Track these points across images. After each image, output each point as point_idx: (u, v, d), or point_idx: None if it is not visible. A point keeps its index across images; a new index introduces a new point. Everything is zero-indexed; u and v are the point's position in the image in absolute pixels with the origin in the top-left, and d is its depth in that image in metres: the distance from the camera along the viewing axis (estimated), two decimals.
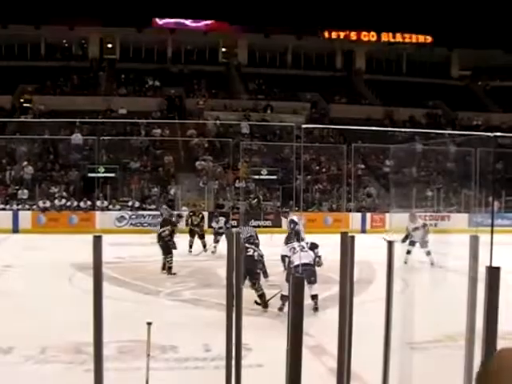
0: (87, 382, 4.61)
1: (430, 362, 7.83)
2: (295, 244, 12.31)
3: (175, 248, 15.80)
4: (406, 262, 16.76)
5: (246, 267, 10.83)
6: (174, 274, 15.35)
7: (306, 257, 11.45)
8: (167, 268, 15.44)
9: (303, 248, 11.64)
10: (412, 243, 17.52)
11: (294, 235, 15.83)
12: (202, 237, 19.78)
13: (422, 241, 17.46)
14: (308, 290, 10.77)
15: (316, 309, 11.36)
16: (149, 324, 4.47)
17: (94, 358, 4.34)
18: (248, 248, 12.05)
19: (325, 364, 7.86)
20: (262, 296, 11.74)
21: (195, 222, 19.73)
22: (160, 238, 15.73)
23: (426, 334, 8.69)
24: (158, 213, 28.15)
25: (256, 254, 12.03)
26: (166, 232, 15.71)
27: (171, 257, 15.49)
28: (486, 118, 40.48)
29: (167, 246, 15.57)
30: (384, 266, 5.14)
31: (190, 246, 19.63)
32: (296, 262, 10.93)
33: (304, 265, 11.14)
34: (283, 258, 12.20)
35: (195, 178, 31.85)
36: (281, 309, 11.43)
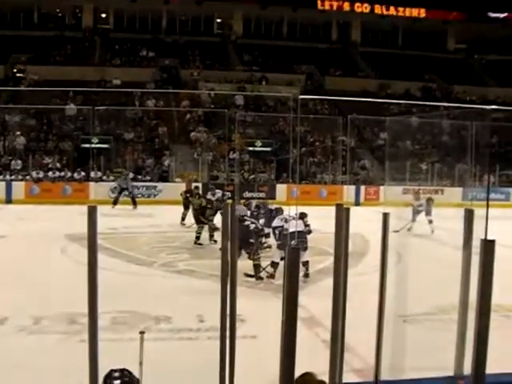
0: (81, 352, 4.61)
1: (422, 335, 7.88)
2: (286, 215, 12.33)
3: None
4: (409, 229, 18.11)
5: (240, 237, 10.92)
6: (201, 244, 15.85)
7: (299, 225, 11.51)
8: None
9: (294, 217, 11.67)
10: (418, 212, 19.00)
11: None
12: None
13: (428, 209, 18.98)
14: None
15: (307, 275, 11.44)
16: (142, 333, 4.45)
17: (89, 328, 4.33)
18: (246, 220, 12.14)
19: (318, 335, 7.90)
20: (256, 266, 11.80)
21: (195, 206, 19.08)
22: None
23: (419, 306, 8.74)
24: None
25: (253, 226, 12.10)
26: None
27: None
28: (482, 93, 40.29)
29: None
30: (377, 238, 5.14)
31: (183, 219, 19.57)
32: (291, 229, 10.96)
33: (298, 232, 11.25)
34: (274, 229, 12.25)
35: (189, 150, 31.78)
36: (271, 276, 11.51)
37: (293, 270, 2.81)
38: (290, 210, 12.35)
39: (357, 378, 6.38)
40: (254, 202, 17.00)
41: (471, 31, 44.49)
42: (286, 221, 11.78)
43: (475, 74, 43.65)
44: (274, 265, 11.55)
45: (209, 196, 19.02)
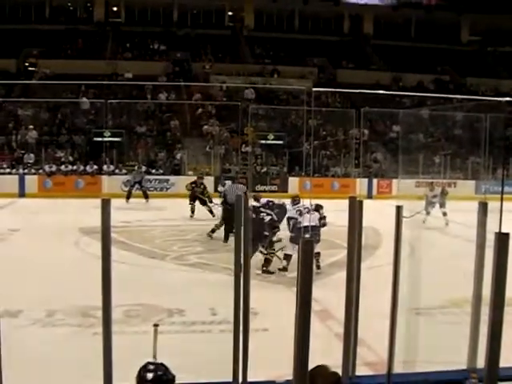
0: (95, 345, 4.63)
1: (435, 328, 7.86)
2: (301, 206, 12.27)
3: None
4: (424, 222, 18.16)
5: (254, 230, 10.95)
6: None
7: (313, 219, 11.49)
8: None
9: (309, 210, 11.65)
10: (432, 204, 19.24)
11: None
12: (203, 203, 19.78)
13: (442, 202, 19.20)
14: None
15: (318, 267, 11.42)
16: (156, 326, 4.47)
17: (103, 321, 4.35)
18: (262, 212, 12.10)
19: (331, 329, 7.91)
20: (267, 260, 11.81)
21: (197, 193, 19.68)
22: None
23: (432, 299, 8.72)
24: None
25: (268, 218, 12.06)
26: None
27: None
28: (495, 85, 40.05)
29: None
30: (390, 232, 5.13)
31: (192, 211, 19.73)
32: (305, 223, 10.95)
33: (312, 227, 11.29)
34: (289, 219, 12.21)
35: (202, 143, 31.79)
36: (284, 269, 11.51)
37: (306, 263, 2.81)
38: (304, 203, 12.29)
39: (370, 371, 6.39)
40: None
41: (485, 23, 44.21)
42: (301, 213, 11.78)
43: (489, 66, 43.33)
44: (287, 257, 11.55)
45: (219, 188, 19.12)
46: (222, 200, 15.89)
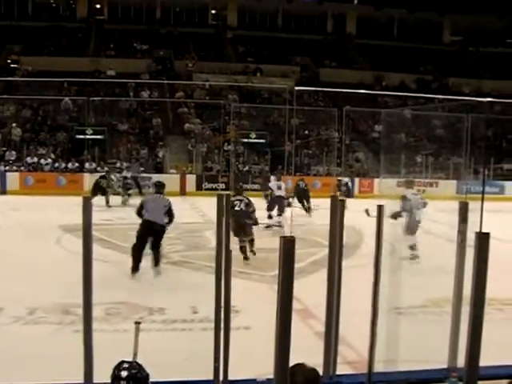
0: (76, 342, 4.62)
1: (416, 327, 7.90)
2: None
3: None
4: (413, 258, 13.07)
5: (235, 223, 11.51)
6: None
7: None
8: None
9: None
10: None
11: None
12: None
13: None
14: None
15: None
16: (137, 323, 4.47)
17: (84, 319, 4.34)
18: (235, 205, 12.26)
19: (312, 327, 7.91)
20: (243, 248, 12.20)
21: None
22: None
23: (413, 299, 8.76)
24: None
25: (241, 206, 12.46)
26: None
27: None
28: (477, 85, 40.36)
29: None
30: (371, 231, 5.14)
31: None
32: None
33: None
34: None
35: (184, 141, 31.75)
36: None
37: (288, 261, 2.81)
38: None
39: (350, 370, 6.40)
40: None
41: (467, 23, 44.47)
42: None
43: (471, 66, 43.63)
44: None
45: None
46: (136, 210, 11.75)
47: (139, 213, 11.29)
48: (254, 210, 12.62)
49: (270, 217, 17.71)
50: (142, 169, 27.94)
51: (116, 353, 4.02)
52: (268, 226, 17.07)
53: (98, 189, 22.12)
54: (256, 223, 12.72)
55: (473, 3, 41.23)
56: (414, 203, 12.98)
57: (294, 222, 16.00)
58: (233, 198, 12.41)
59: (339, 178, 25.03)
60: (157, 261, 11.01)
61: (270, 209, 17.91)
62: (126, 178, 24.58)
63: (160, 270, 11.04)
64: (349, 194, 23.33)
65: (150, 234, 10.94)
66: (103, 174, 23.91)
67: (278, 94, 35.11)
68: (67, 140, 30.41)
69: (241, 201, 12.51)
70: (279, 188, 18.23)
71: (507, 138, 34.59)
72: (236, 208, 12.19)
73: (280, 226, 16.69)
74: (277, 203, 17.76)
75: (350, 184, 24.58)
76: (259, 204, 21.88)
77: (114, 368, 3.64)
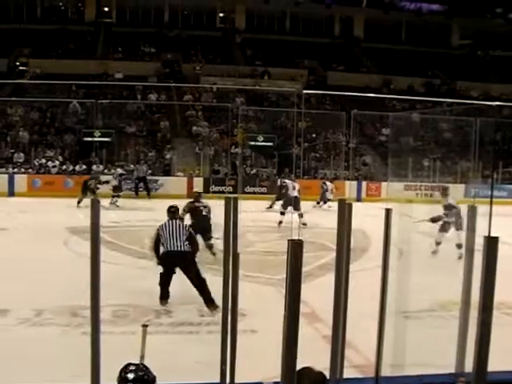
0: (83, 344, 4.62)
1: (424, 331, 7.87)
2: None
3: None
4: (434, 252, 13.68)
5: (201, 226, 12.29)
6: None
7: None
8: None
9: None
10: (444, 228, 13.76)
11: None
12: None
13: (457, 222, 13.22)
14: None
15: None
16: (144, 326, 4.47)
17: (91, 321, 4.34)
18: (200, 207, 13.17)
19: (319, 331, 7.91)
20: (211, 246, 12.81)
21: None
22: None
23: (421, 303, 8.74)
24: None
25: (206, 210, 13.16)
26: None
27: None
28: (486, 89, 40.21)
29: None
30: (379, 235, 5.13)
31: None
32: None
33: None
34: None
35: (191, 144, 31.77)
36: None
37: (295, 264, 2.81)
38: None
39: (357, 374, 6.39)
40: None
41: (475, 27, 44.33)
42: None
43: (479, 69, 43.47)
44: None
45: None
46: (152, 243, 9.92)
47: (156, 246, 9.57)
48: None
49: (282, 213, 18.33)
50: (150, 171, 28.06)
51: (123, 355, 4.03)
52: (280, 222, 17.96)
53: (87, 189, 22.41)
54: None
55: (481, 7, 41.15)
56: (459, 210, 13.24)
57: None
58: (197, 204, 13.29)
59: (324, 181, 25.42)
60: (207, 297, 8.87)
61: (284, 207, 18.61)
62: (122, 175, 24.91)
63: (216, 305, 8.36)
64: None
65: (176, 266, 9.31)
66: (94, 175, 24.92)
67: (286, 97, 35.10)
68: (75, 142, 30.48)
69: (205, 207, 13.21)
70: (294, 188, 19.14)
71: None
72: (204, 213, 13.04)
73: (305, 224, 16.97)
74: (292, 203, 18.27)
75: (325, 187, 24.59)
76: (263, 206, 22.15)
77: (120, 370, 3.65)
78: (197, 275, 9.18)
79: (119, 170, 25.43)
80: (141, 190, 27.05)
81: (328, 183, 24.62)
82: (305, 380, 3.14)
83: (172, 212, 9.96)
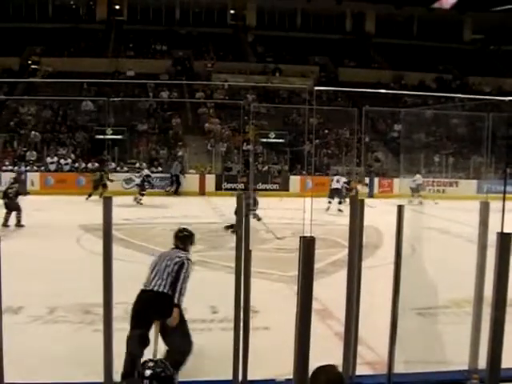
0: (96, 342, 4.63)
1: (436, 328, 7.85)
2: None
3: None
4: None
5: None
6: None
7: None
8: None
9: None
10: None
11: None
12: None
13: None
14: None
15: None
16: (157, 322, 4.50)
17: (104, 318, 4.35)
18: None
19: (331, 328, 7.89)
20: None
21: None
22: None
23: (433, 299, 8.70)
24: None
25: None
26: None
27: None
28: (498, 83, 40.00)
29: None
30: (391, 231, 5.11)
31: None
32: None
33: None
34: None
35: (203, 141, 31.80)
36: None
37: (307, 261, 2.80)
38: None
39: (370, 371, 6.37)
40: None
41: (488, 21, 44.04)
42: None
43: (491, 64, 43.22)
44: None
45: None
46: None
47: None
48: None
49: (329, 202, 21.81)
50: (181, 169, 28.38)
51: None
52: (328, 209, 21.30)
53: (99, 183, 23.84)
54: None
55: (494, 1, 40.83)
56: None
57: (314, 222, 15.96)
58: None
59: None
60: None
61: (330, 197, 22.01)
62: (148, 176, 24.97)
63: None
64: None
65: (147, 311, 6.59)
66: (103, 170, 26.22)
67: (297, 94, 35.05)
68: (87, 140, 30.58)
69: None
70: (338, 181, 22.36)
71: None
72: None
73: (341, 210, 20.50)
74: (335, 194, 22.00)
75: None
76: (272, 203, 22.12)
77: (139, 365, 3.66)
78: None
79: (146, 171, 25.44)
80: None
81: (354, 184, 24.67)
82: (322, 376, 3.11)
83: (177, 238, 7.23)
